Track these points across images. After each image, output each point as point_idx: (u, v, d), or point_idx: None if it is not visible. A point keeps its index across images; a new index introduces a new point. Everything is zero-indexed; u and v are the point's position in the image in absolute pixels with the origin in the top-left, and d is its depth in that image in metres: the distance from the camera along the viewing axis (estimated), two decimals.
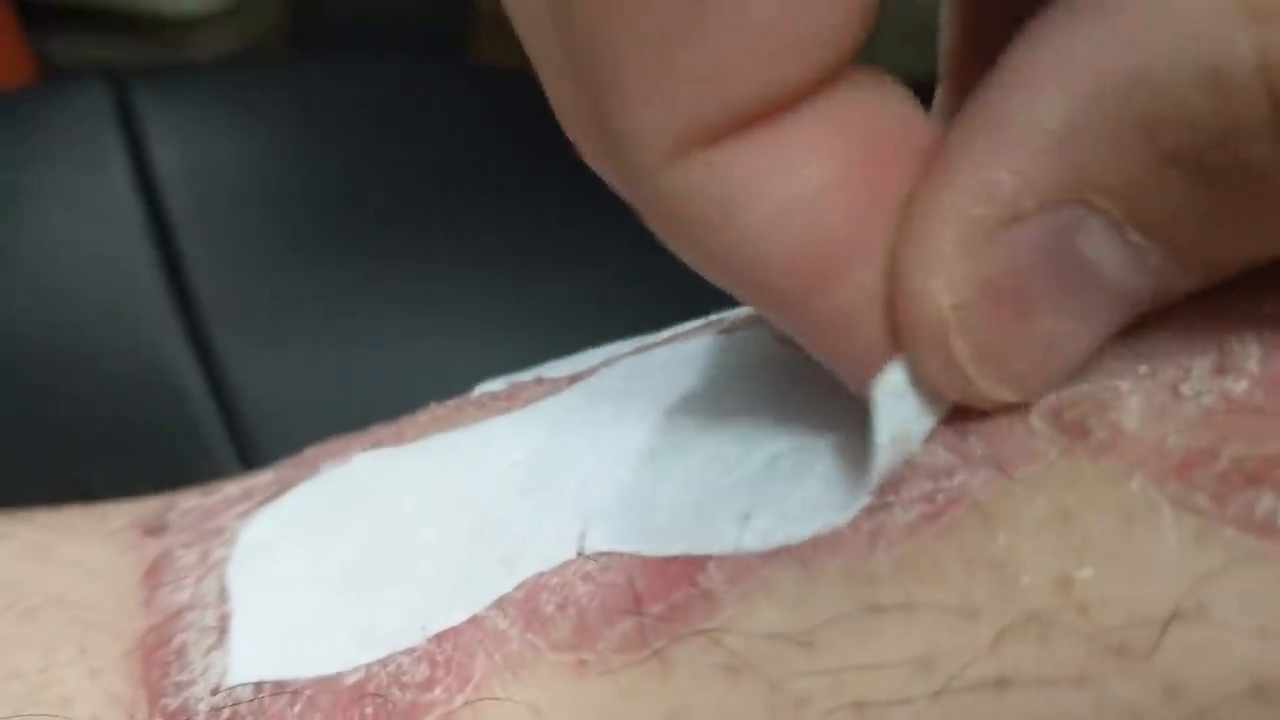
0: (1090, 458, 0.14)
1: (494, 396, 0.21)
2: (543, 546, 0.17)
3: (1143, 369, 0.14)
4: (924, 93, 0.16)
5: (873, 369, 0.15)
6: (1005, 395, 0.14)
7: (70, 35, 0.72)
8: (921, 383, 0.14)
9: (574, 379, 0.20)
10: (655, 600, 0.15)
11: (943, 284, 0.14)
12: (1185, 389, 0.14)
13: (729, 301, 0.16)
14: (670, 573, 0.15)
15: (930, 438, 0.15)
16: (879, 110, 0.14)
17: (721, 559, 0.15)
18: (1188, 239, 0.13)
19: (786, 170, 0.13)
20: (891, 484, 0.15)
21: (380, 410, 0.23)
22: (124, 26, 0.68)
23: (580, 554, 0.16)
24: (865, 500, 0.15)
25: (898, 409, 0.15)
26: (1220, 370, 0.14)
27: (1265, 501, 0.13)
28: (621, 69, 0.13)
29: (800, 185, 0.13)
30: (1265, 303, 0.14)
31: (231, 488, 0.22)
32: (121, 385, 0.35)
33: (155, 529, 0.21)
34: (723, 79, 0.13)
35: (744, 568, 0.15)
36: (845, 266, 0.14)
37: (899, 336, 0.14)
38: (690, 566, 0.15)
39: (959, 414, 0.15)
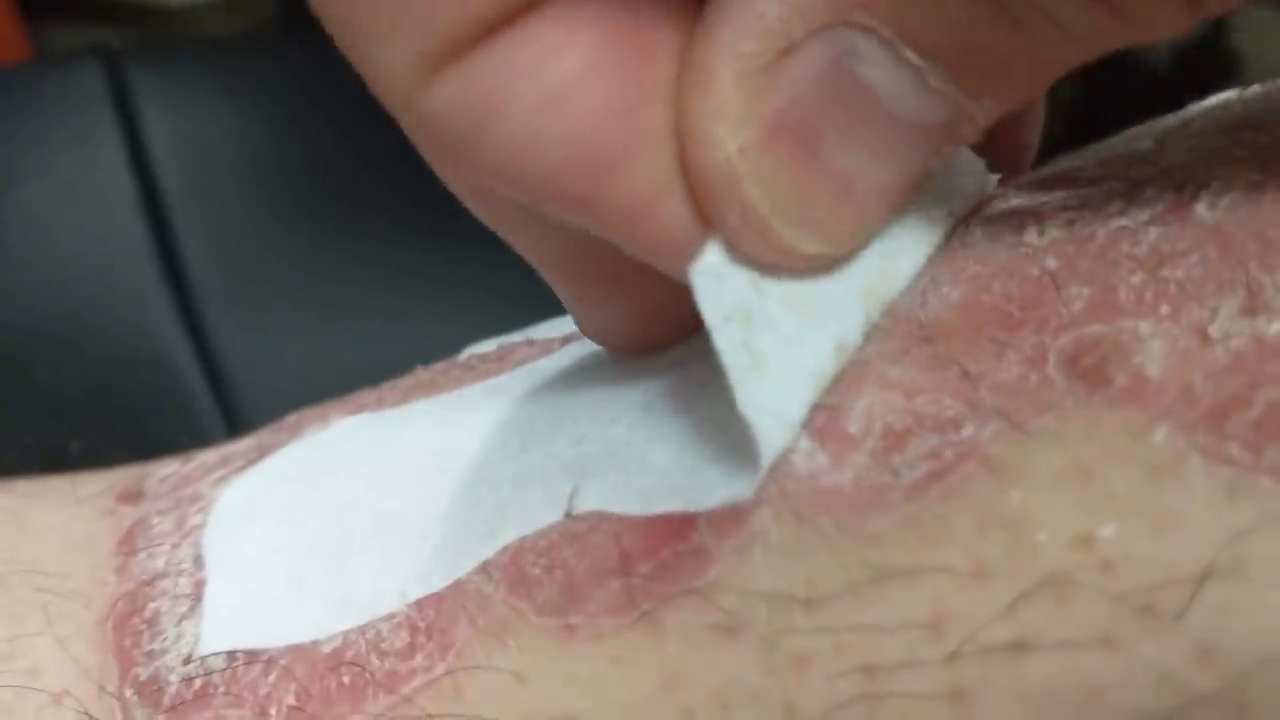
0: (1110, 407, 0.13)
1: (483, 358, 0.20)
2: (529, 508, 0.16)
3: (1164, 309, 0.13)
4: None
5: (686, 252, 0.14)
6: (813, 247, 0.14)
7: (69, 23, 0.72)
8: (735, 250, 0.14)
9: (565, 340, 0.20)
10: (644, 559, 0.14)
11: (726, 128, 0.13)
12: (1213, 330, 0.13)
13: None
14: (660, 530, 0.14)
15: (938, 387, 0.14)
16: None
17: (713, 513, 0.14)
18: (961, 55, 0.13)
19: (536, 68, 0.13)
20: (897, 439, 0.14)
21: (367, 381, 0.23)
22: (122, 14, 0.67)
23: (568, 515, 0.15)
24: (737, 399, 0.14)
25: (723, 287, 0.14)
26: (1250, 310, 0.13)
27: None
28: (354, 6, 0.13)
29: (552, 80, 0.13)
30: None
31: (210, 455, 0.21)
32: (113, 361, 0.35)
33: (131, 496, 0.21)
34: None
35: (735, 520, 0.14)
36: (623, 150, 0.14)
37: (699, 203, 0.14)
38: (681, 524, 0.14)
39: (969, 362, 0.14)
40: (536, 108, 0.13)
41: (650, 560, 0.14)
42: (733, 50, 0.13)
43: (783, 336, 0.14)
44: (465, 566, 0.16)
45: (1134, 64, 0.82)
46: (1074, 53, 0.13)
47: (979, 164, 0.17)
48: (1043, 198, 0.16)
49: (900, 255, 0.15)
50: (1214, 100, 0.18)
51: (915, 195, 0.15)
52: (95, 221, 0.38)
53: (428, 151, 0.14)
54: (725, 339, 0.14)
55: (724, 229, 0.14)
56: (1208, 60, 0.78)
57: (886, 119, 0.13)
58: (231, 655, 0.17)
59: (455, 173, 0.15)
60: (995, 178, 0.17)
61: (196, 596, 0.18)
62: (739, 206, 0.14)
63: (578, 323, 0.18)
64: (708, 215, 0.14)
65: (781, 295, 0.15)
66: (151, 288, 0.36)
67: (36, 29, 0.68)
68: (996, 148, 0.16)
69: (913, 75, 0.13)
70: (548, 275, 0.17)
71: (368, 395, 0.21)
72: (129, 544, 0.19)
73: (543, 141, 0.14)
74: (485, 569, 0.15)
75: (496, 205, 0.16)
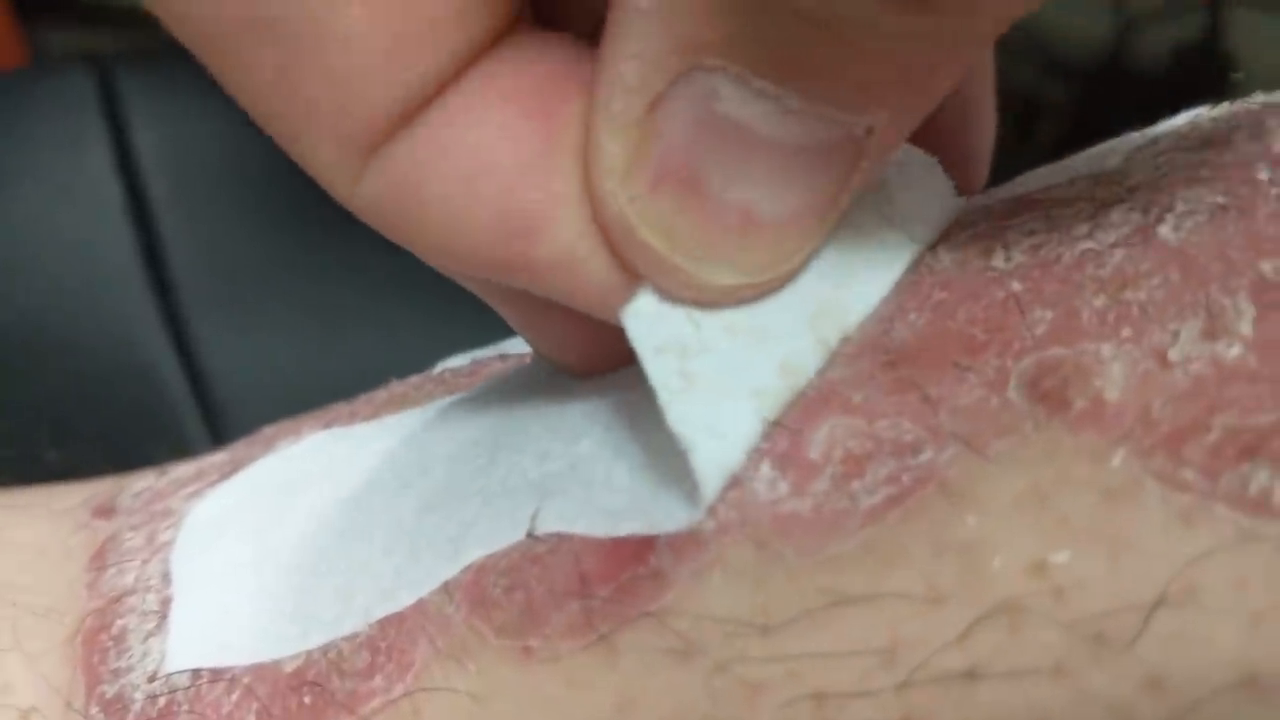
0: (1069, 431, 0.13)
1: (456, 373, 0.20)
2: (493, 527, 0.16)
3: (1126, 331, 0.13)
4: None
5: (620, 299, 0.15)
6: (730, 279, 0.14)
7: (66, 27, 0.72)
8: (662, 294, 0.15)
9: (538, 355, 0.20)
10: (603, 582, 0.14)
11: (614, 182, 0.14)
12: (1173, 353, 0.13)
13: None
14: (619, 553, 0.14)
15: (898, 411, 0.14)
16: (541, 62, 0.14)
17: (673, 537, 0.14)
18: (804, 75, 0.13)
19: (451, 142, 0.14)
20: (856, 464, 0.14)
21: (353, 390, 0.23)
22: (119, 19, 0.67)
23: (530, 534, 0.15)
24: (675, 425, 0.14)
25: (656, 325, 0.15)
26: (1210, 333, 0.13)
27: (1260, 477, 0.12)
28: (276, 114, 0.14)
29: (467, 151, 0.14)
30: (1262, 259, 0.13)
31: (184, 468, 0.21)
32: (97, 368, 0.35)
33: (106, 510, 0.21)
34: (358, 92, 0.14)
35: (695, 545, 0.14)
36: (543, 213, 0.14)
37: (616, 254, 0.14)
38: (640, 546, 0.14)
39: (930, 386, 0.14)
40: (456, 180, 0.14)
41: (609, 583, 0.14)
42: (606, 110, 0.14)
43: (720, 361, 0.15)
44: (428, 585, 0.16)
45: (1130, 67, 0.82)
46: (923, 53, 0.13)
47: (946, 186, 0.17)
48: (1009, 221, 0.16)
49: (855, 280, 0.15)
50: (1184, 117, 0.17)
51: (870, 219, 0.15)
52: (82, 228, 0.38)
53: (377, 227, 0.15)
54: (657, 368, 0.14)
55: (647, 277, 0.14)
56: (1204, 63, 0.78)
57: (770, 148, 0.14)
58: (196, 674, 0.17)
59: (402, 243, 0.15)
60: (962, 201, 0.17)
61: (164, 614, 0.18)
62: (641, 252, 0.14)
63: (532, 346, 0.18)
64: (625, 264, 0.14)
65: (721, 324, 0.15)
66: (137, 295, 0.36)
67: (33, 33, 0.68)
68: (943, 157, 0.17)
69: (773, 103, 0.13)
70: (499, 309, 0.18)
71: (341, 409, 0.21)
72: (101, 559, 0.19)
73: (466, 213, 0.14)
74: (447, 589, 0.15)
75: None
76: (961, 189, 0.17)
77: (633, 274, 0.14)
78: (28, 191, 0.38)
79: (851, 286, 0.15)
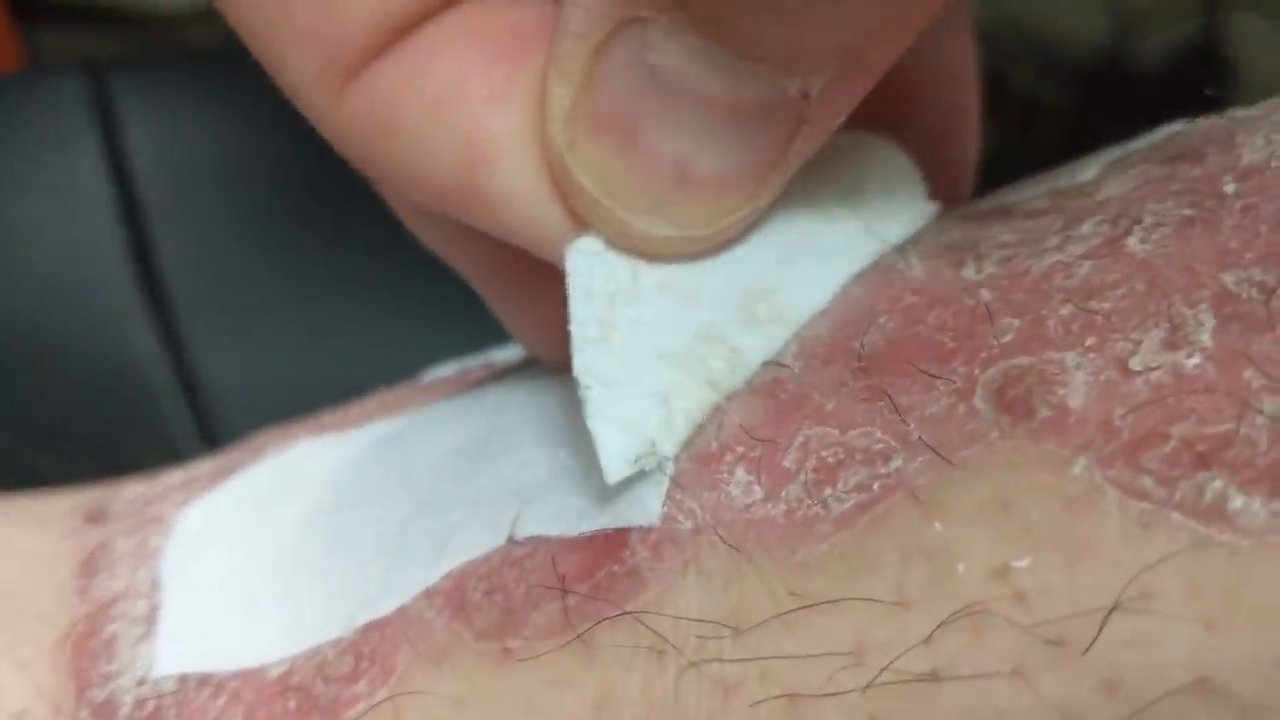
0: (1032, 440, 0.13)
1: (443, 381, 0.21)
2: (475, 534, 0.16)
3: (1090, 340, 0.13)
4: None
5: (564, 242, 0.15)
6: (664, 230, 0.15)
7: (61, 30, 0.72)
8: (604, 238, 0.15)
9: (524, 363, 0.20)
10: (579, 580, 0.15)
11: (557, 126, 0.14)
12: (1134, 363, 0.13)
13: None
14: (594, 550, 0.15)
15: (869, 420, 0.14)
16: (516, 7, 0.15)
17: (645, 533, 0.14)
18: (731, 32, 0.13)
19: (425, 72, 0.15)
20: (829, 472, 0.14)
21: (346, 396, 0.23)
22: (116, 21, 0.67)
23: (510, 539, 0.15)
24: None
25: (595, 268, 0.15)
26: (1171, 343, 0.13)
27: (1215, 485, 0.12)
28: (265, 34, 0.15)
29: (438, 78, 0.15)
30: (1224, 271, 0.13)
31: (174, 475, 0.21)
32: (89, 373, 0.35)
33: (96, 516, 0.21)
34: (343, 15, 0.14)
35: (670, 545, 0.14)
36: (503, 144, 0.15)
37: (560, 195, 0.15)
38: (615, 544, 0.15)
39: (900, 395, 0.14)
40: (427, 104, 0.15)
41: (585, 581, 0.15)
42: (554, 55, 0.14)
43: (642, 314, 0.15)
44: (411, 591, 0.16)
45: (1129, 70, 0.82)
46: (856, 20, 0.13)
47: (918, 189, 0.17)
48: (982, 231, 0.16)
49: (804, 264, 0.16)
50: (1161, 131, 0.18)
51: (834, 207, 0.16)
52: (74, 232, 0.38)
53: (345, 152, 0.16)
54: (581, 311, 0.15)
55: (585, 219, 0.15)
56: (1202, 67, 0.79)
57: (705, 104, 0.14)
58: (183, 679, 0.17)
59: (367, 169, 0.16)
60: (935, 206, 0.17)
61: (153, 619, 0.18)
62: (579, 195, 0.15)
63: (511, 332, 0.18)
64: (568, 206, 0.15)
65: (658, 279, 0.15)
66: (129, 300, 0.36)
67: (28, 36, 0.68)
68: (925, 163, 0.17)
69: (705, 58, 0.14)
70: (480, 287, 0.18)
71: (330, 416, 0.21)
72: (91, 565, 0.19)
73: (434, 137, 0.15)
74: (429, 595, 0.16)
75: (428, 221, 0.17)
76: (946, 197, 0.18)
77: (576, 217, 0.15)
78: (19, 196, 0.38)
79: (798, 269, 0.16)
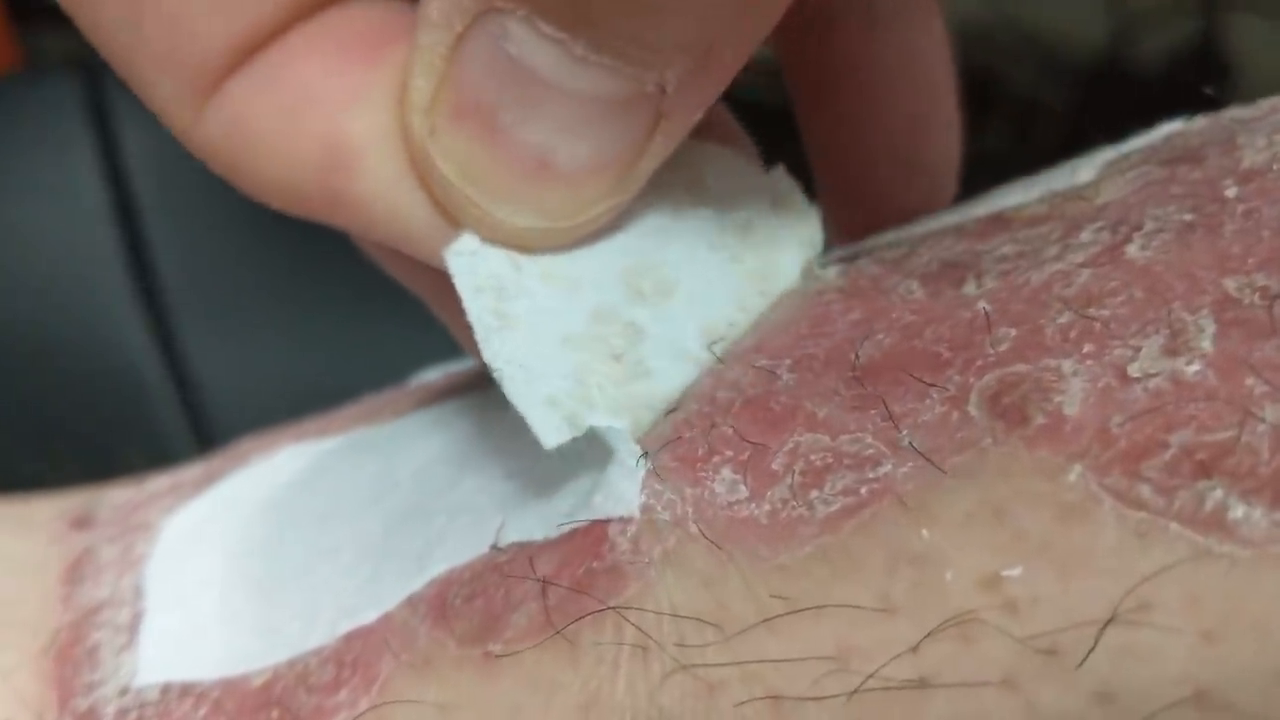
0: (1026, 447, 0.13)
1: (428, 387, 0.20)
2: (458, 542, 0.16)
3: (1087, 347, 0.13)
4: None
5: (437, 240, 0.15)
6: (527, 221, 0.15)
7: (58, 30, 0.71)
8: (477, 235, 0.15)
9: None
10: (560, 576, 0.14)
11: (419, 116, 0.14)
12: (1133, 370, 0.13)
13: None
14: (572, 547, 0.14)
15: (860, 426, 0.14)
16: (372, 12, 0.15)
17: (624, 525, 0.14)
18: (581, 24, 0.14)
19: (276, 82, 0.15)
20: (816, 475, 0.14)
21: (341, 398, 0.23)
22: None
23: (494, 547, 0.15)
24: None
25: (478, 264, 0.15)
26: (1171, 350, 0.13)
27: (1215, 495, 0.12)
28: (123, 54, 0.15)
29: (296, 88, 0.15)
30: (1226, 277, 0.13)
31: (160, 480, 0.21)
32: (82, 373, 0.35)
33: (82, 522, 0.21)
34: (196, 35, 0.14)
35: (648, 535, 0.14)
36: (363, 146, 0.15)
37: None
38: (592, 538, 0.14)
39: (893, 402, 0.14)
40: (282, 113, 0.15)
41: (565, 578, 0.14)
42: (415, 46, 0.14)
43: (535, 304, 0.15)
44: (394, 599, 0.16)
45: (1128, 71, 0.82)
46: (706, 15, 0.13)
47: (798, 201, 0.18)
48: (981, 244, 0.16)
49: (675, 241, 0.16)
50: (1160, 131, 0.17)
51: (693, 195, 0.17)
52: (68, 232, 0.37)
53: (213, 167, 0.16)
54: (475, 306, 0.15)
55: (447, 209, 0.15)
56: (1201, 67, 0.78)
57: (563, 96, 0.14)
58: (165, 688, 0.17)
59: (235, 182, 0.16)
60: (818, 223, 0.18)
61: (136, 628, 0.18)
62: (442, 187, 0.15)
63: (461, 343, 0.18)
64: (436, 201, 0.15)
65: (539, 270, 0.16)
66: (123, 300, 0.36)
67: (26, 36, 0.68)
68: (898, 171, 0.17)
69: (559, 50, 0.14)
70: (425, 299, 0.18)
71: (315, 422, 0.21)
72: (76, 572, 0.19)
73: (290, 146, 0.15)
74: (412, 602, 0.15)
75: (367, 242, 0.17)
76: (923, 202, 0.18)
77: (442, 211, 0.15)
78: (13, 196, 0.38)
79: (673, 247, 0.16)
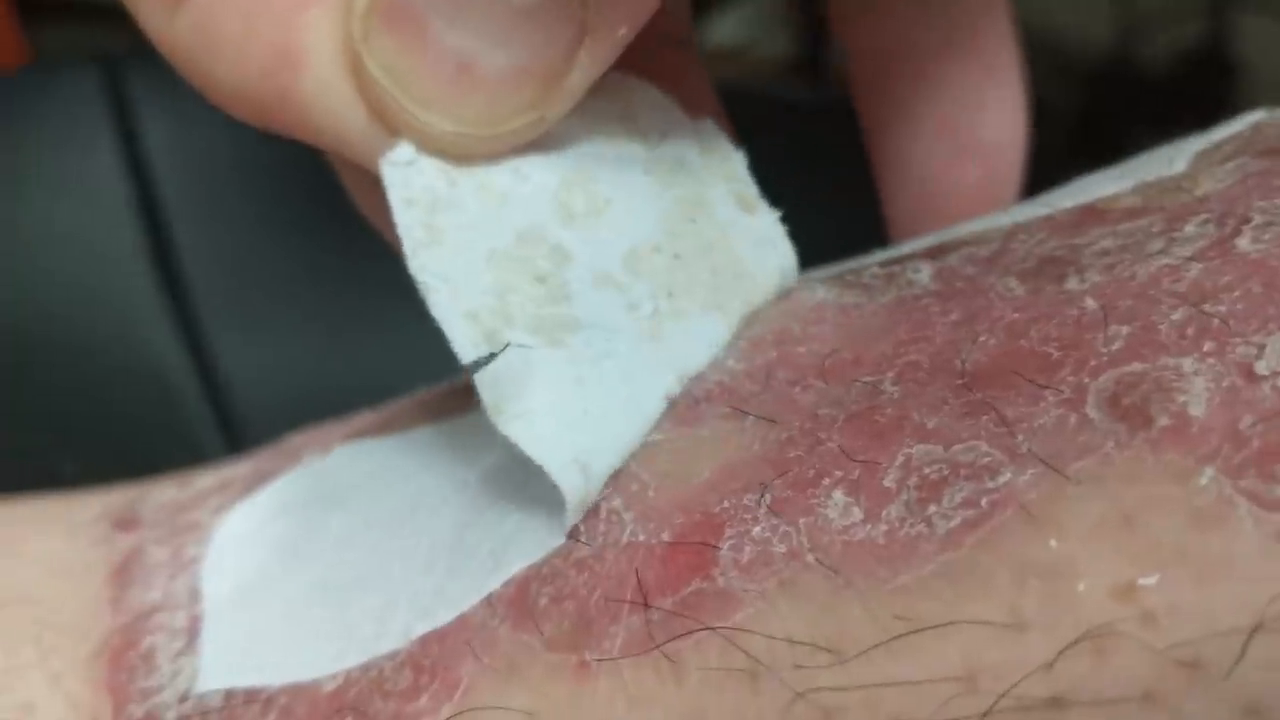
0: (1153, 450, 0.12)
1: None
2: (534, 537, 0.15)
3: (1208, 345, 0.13)
4: None
5: (378, 146, 0.15)
6: (448, 126, 0.15)
7: (67, 28, 0.71)
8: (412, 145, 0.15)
9: None
10: (663, 593, 0.14)
11: (357, 20, 0.15)
12: (1259, 367, 0.12)
13: None
14: (678, 562, 0.14)
15: (974, 434, 0.13)
16: None
17: (737, 555, 0.14)
18: None
19: None
20: (932, 489, 0.13)
21: (372, 395, 0.22)
22: (121, 17, 0.66)
23: (575, 539, 0.15)
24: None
25: (412, 175, 0.15)
26: None
27: None
28: None
29: None
30: None
31: (206, 479, 0.20)
32: (108, 370, 0.34)
33: (127, 523, 0.20)
34: None
35: (763, 565, 0.13)
36: (309, 49, 0.15)
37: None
38: (700, 557, 0.14)
39: (1005, 407, 0.13)
40: (239, 16, 0.15)
41: (670, 595, 0.14)
42: None
43: (465, 219, 0.16)
44: (470, 600, 0.15)
45: (1133, 73, 0.81)
46: None
47: (718, 135, 0.18)
48: (1077, 238, 0.15)
49: (606, 164, 0.17)
50: (1242, 122, 0.17)
51: (626, 127, 0.17)
52: (91, 229, 0.37)
53: (180, 70, 0.16)
54: (405, 218, 0.15)
55: (370, 106, 0.15)
56: (1207, 69, 0.78)
57: (486, 2, 0.15)
58: (229, 694, 0.16)
59: (199, 85, 0.16)
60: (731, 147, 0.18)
61: (193, 631, 0.17)
62: (372, 90, 0.15)
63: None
64: (370, 105, 0.15)
65: (474, 183, 0.16)
66: (148, 296, 0.35)
67: (35, 33, 0.67)
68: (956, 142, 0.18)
69: None
70: (377, 226, 0.19)
71: (368, 418, 0.20)
72: (124, 575, 0.19)
73: (245, 47, 0.15)
74: (490, 602, 0.15)
75: (353, 179, 0.18)
76: (981, 188, 0.17)
77: (375, 115, 0.15)
78: (35, 193, 0.38)
79: (607, 164, 0.17)
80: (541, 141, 0.16)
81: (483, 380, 0.15)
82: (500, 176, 0.16)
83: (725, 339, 0.17)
